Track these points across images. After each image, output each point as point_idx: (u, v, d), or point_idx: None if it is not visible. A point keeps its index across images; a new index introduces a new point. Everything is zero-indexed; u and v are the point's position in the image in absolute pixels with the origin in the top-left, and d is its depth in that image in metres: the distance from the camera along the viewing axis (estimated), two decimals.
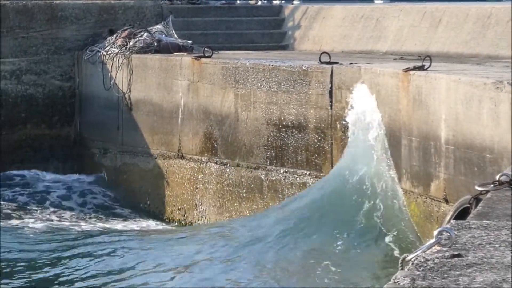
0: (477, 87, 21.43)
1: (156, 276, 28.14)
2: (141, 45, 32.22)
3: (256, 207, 29.72)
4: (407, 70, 23.73)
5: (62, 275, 29.34)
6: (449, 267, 7.25)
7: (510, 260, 7.34)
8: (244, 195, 29.78)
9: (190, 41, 32.87)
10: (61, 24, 34.96)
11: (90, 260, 30.18)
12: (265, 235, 29.71)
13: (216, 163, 31.24)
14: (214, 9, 39.54)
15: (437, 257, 7.49)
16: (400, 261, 6.77)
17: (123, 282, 28.48)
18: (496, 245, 8.11)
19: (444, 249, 7.66)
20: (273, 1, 43.82)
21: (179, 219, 33.35)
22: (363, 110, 26.20)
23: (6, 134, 33.44)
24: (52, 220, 33.73)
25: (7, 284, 28.55)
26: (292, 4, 41.06)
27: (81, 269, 29.83)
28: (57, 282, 28.88)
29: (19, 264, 30.49)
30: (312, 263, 27.41)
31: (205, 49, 30.66)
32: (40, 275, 29.60)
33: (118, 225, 33.81)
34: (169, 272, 28.88)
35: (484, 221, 9.33)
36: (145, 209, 34.64)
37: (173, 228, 33.89)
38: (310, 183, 28.14)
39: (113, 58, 32.25)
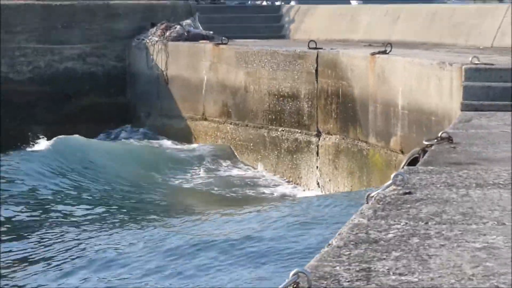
0: (426, 67, 21.94)
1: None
2: (174, 35, 33.18)
3: (260, 156, 30.61)
4: (373, 54, 24.42)
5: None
6: (402, 201, 7.98)
7: (448, 196, 8.28)
8: (252, 147, 30.63)
9: (211, 32, 33.77)
10: (115, 19, 35.70)
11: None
12: None
13: (230, 123, 32.09)
14: (230, 8, 40.73)
15: (393, 194, 8.29)
16: (365, 197, 6.93)
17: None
18: (438, 185, 8.88)
19: (399, 188, 8.41)
20: (275, 2, 44.27)
21: None
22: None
23: (75, 102, 34.21)
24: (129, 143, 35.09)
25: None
26: (289, 4, 42.18)
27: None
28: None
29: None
30: None
31: (223, 38, 31.47)
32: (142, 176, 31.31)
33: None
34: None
35: (429, 167, 10.00)
36: None
37: None
38: (300, 139, 28.79)
39: (154, 44, 33.26)
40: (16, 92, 33.98)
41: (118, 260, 19.72)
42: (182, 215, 25.94)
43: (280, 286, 5.26)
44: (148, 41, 32.96)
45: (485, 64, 18.94)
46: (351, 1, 48.39)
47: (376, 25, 32.38)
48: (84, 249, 20.80)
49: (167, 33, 32.97)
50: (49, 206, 26.65)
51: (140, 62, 33.21)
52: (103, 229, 23.99)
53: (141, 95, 33.42)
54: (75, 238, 22.27)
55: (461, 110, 16.80)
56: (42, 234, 23.28)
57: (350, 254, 5.91)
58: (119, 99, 33.79)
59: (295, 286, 5.13)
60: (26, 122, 33.86)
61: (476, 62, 18.66)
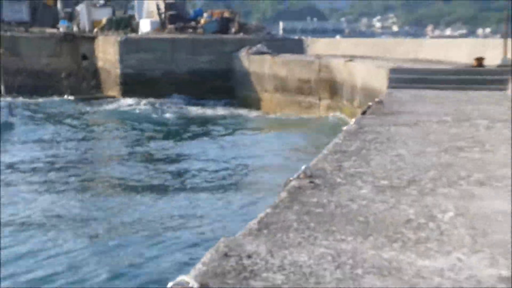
0: (371, 67, 21.83)
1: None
2: (253, 51, 32.85)
3: (292, 109, 30.00)
4: (346, 61, 24.97)
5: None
6: (357, 132, 8.04)
7: (380, 130, 8.03)
8: (289, 105, 30.26)
9: (270, 50, 32.74)
10: (225, 44, 35.23)
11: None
12: None
13: (278, 94, 31.19)
14: (279, 40, 40.15)
15: (353, 129, 8.38)
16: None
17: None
18: (375, 124, 8.67)
19: (356, 125, 8.58)
20: (301, 37, 42.67)
21: None
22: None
23: (207, 84, 33.53)
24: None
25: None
26: (306, 37, 41.52)
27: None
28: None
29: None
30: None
31: (274, 53, 31.36)
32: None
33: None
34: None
35: (371, 115, 9.97)
36: None
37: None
38: (311, 101, 28.12)
39: (242, 57, 33.05)
40: (183, 79, 34.05)
41: None
42: None
43: (293, 177, 5.13)
44: (240, 55, 32.94)
45: (397, 67, 19.57)
46: (337, 37, 52.31)
47: (348, 48, 32.12)
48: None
49: (250, 51, 32.47)
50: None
51: (236, 65, 33.21)
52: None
53: (237, 81, 33.33)
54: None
55: (387, 88, 16.63)
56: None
57: (332, 157, 6.21)
58: (227, 84, 33.27)
59: (303, 175, 5.08)
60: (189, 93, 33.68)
61: (393, 65, 19.66)
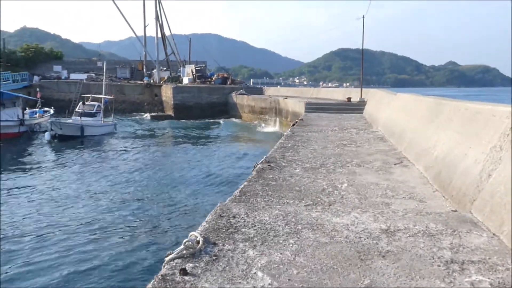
0: (296, 101, 19.81)
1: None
2: (239, 93, 30.30)
3: (261, 122, 26.56)
4: (284, 98, 23.41)
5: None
6: (291, 135, 6.79)
7: (302, 134, 6.84)
8: (264, 118, 27.87)
9: (246, 93, 29.87)
10: (224, 89, 32.29)
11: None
12: None
13: (249, 114, 27.97)
14: (250, 88, 35.54)
15: (289, 133, 7.27)
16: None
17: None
18: (300, 130, 7.47)
19: (290, 133, 7.22)
20: (262, 86, 40.36)
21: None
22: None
23: (213, 108, 30.35)
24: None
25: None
26: (265, 86, 40.11)
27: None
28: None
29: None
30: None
31: (247, 94, 28.87)
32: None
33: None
34: None
35: (297, 126, 8.74)
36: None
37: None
38: (269, 118, 24.76)
39: (233, 95, 30.60)
40: (204, 107, 31.23)
41: None
42: None
43: (259, 162, 4.45)
44: (232, 95, 31.81)
45: (308, 101, 17.59)
46: (278, 86, 48.55)
47: (284, 92, 32.29)
48: None
49: (237, 93, 31.89)
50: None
51: (230, 100, 32.45)
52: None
53: (230, 107, 32.37)
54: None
55: (304, 112, 14.87)
56: None
57: (279, 150, 5.37)
58: (225, 108, 31.79)
59: (264, 161, 4.50)
60: (195, 116, 30.36)
61: (307, 100, 17.68)
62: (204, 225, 2.47)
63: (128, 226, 7.90)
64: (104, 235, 7.38)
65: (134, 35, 37.41)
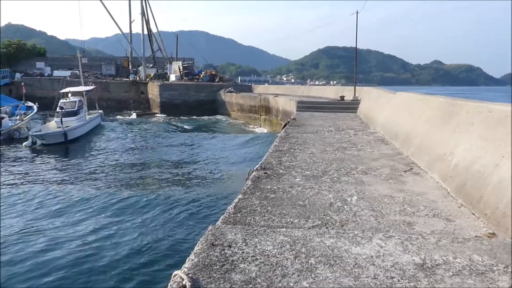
0: (287, 99, 19.01)
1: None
2: (227, 90, 30.04)
3: (249, 121, 26.91)
4: (274, 96, 22.73)
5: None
6: (286, 137, 6.29)
7: (296, 135, 6.48)
8: (245, 121, 26.07)
9: (235, 90, 29.29)
10: (213, 87, 31.45)
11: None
12: None
13: (238, 112, 27.96)
14: (239, 85, 34.99)
15: (283, 134, 6.78)
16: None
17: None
18: (294, 132, 6.98)
19: (284, 133, 6.85)
20: (250, 84, 39.34)
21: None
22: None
23: (202, 106, 29.49)
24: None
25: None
26: (253, 83, 39.25)
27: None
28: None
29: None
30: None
31: (236, 91, 28.23)
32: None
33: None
34: None
35: (290, 126, 8.36)
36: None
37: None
38: (256, 117, 24.94)
39: (222, 93, 30.00)
40: (192, 105, 30.35)
41: None
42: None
43: (254, 169, 4.02)
44: (220, 92, 31.21)
45: (300, 99, 16.76)
46: (266, 84, 47.03)
47: (273, 89, 30.10)
48: None
49: (225, 90, 31.11)
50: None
51: (218, 97, 31.80)
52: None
53: (218, 105, 31.48)
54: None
55: (296, 111, 14.35)
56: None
57: (274, 155, 4.98)
58: (212, 106, 31.09)
59: (259, 168, 4.10)
60: (182, 114, 29.81)
61: (298, 99, 17.12)
62: (192, 260, 2.03)
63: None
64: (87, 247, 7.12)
65: (120, 32, 36.34)
